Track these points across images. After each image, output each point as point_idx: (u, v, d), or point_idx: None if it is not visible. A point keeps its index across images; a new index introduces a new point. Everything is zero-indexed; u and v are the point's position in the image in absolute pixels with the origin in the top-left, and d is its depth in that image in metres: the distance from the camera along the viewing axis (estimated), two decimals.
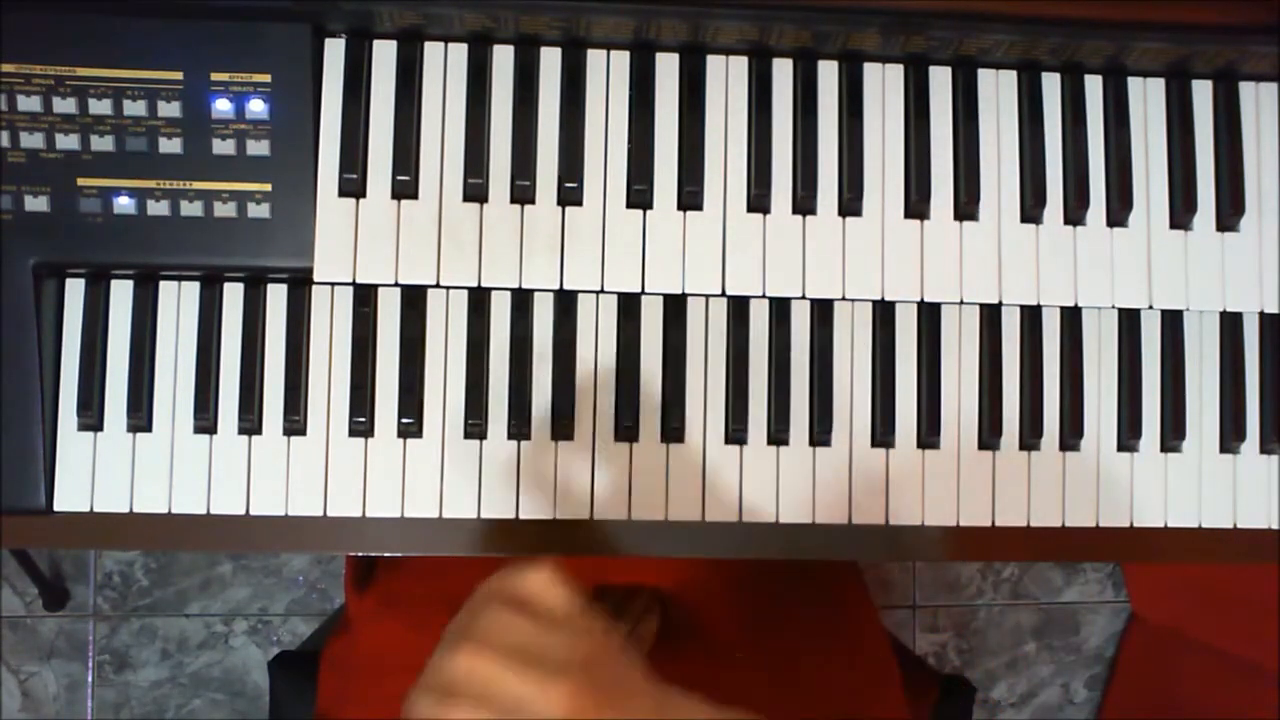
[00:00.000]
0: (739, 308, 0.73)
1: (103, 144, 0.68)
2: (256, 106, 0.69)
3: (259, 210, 0.69)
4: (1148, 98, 0.75)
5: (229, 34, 0.68)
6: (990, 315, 0.74)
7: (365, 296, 0.71)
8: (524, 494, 0.71)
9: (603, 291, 0.72)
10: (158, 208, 0.68)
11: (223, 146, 0.68)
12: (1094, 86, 0.75)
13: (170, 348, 0.70)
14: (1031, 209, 0.73)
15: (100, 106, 0.68)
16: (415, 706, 0.51)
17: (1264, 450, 0.75)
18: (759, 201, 0.72)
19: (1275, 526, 0.75)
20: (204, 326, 0.70)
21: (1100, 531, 0.74)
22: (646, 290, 0.71)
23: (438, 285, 0.71)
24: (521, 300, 0.72)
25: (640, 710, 0.51)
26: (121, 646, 1.59)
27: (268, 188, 0.69)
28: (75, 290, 0.70)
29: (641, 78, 0.72)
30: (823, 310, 0.73)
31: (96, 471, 0.69)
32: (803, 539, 0.73)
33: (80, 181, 0.68)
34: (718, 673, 0.84)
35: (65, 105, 0.67)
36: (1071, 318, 0.75)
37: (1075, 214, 0.74)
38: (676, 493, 0.71)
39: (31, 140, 0.67)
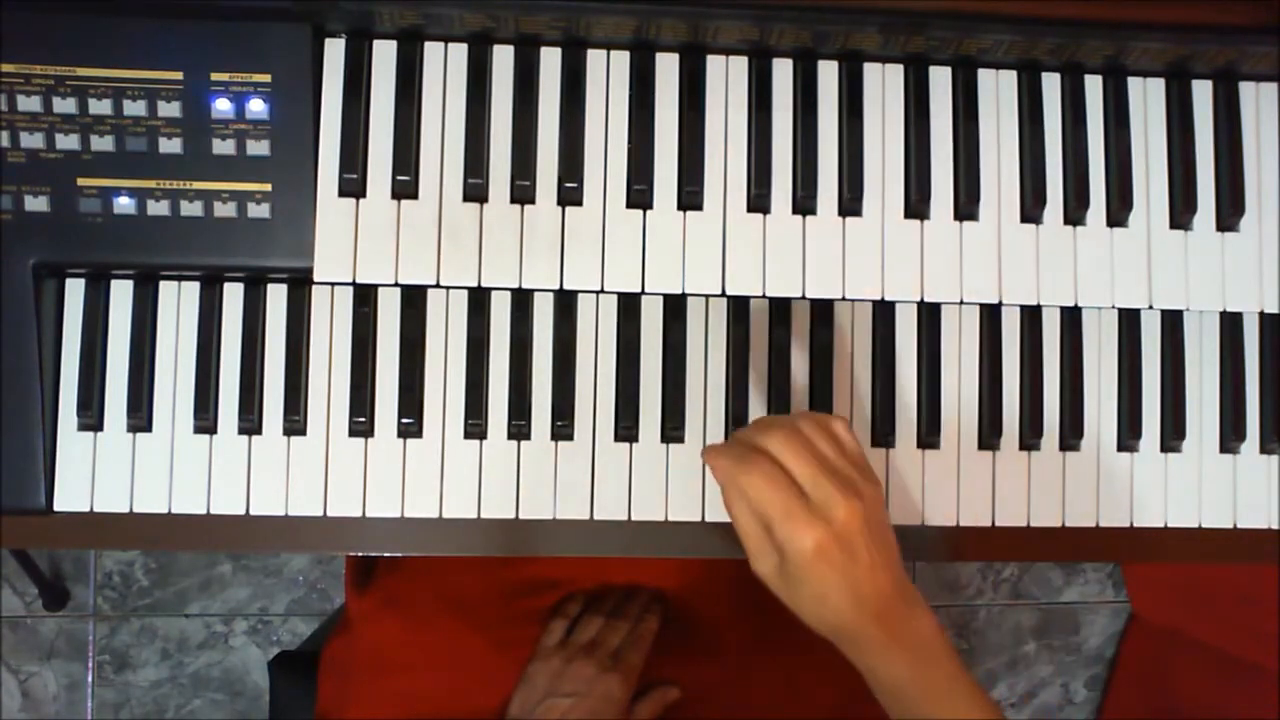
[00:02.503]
0: (739, 308, 0.73)
1: (103, 144, 0.68)
2: (256, 106, 0.69)
3: (259, 210, 0.69)
4: (1148, 98, 0.75)
5: (229, 34, 0.68)
6: (990, 315, 0.74)
7: (365, 296, 0.71)
8: (524, 494, 0.71)
9: (603, 291, 0.72)
10: (158, 208, 0.68)
11: (223, 146, 0.68)
12: (1094, 86, 0.75)
13: (170, 348, 0.70)
14: (1031, 209, 0.73)
15: (100, 106, 0.68)
16: (718, 455, 0.61)
17: (1264, 450, 0.75)
18: (759, 201, 0.72)
19: (1275, 526, 0.75)
20: (204, 326, 0.70)
21: (1100, 531, 0.74)
22: (646, 290, 0.71)
23: (438, 285, 0.71)
24: (521, 300, 0.72)
25: (886, 566, 0.60)
26: (121, 646, 1.59)
27: (268, 188, 0.69)
28: (75, 290, 0.70)
29: (641, 78, 0.72)
30: (823, 310, 0.73)
31: (96, 471, 0.69)
32: None
33: (80, 181, 0.68)
34: (717, 673, 0.85)
35: (65, 105, 0.67)
36: (1071, 318, 0.75)
37: (1075, 214, 0.74)
38: (676, 493, 0.72)
39: (31, 140, 0.67)
